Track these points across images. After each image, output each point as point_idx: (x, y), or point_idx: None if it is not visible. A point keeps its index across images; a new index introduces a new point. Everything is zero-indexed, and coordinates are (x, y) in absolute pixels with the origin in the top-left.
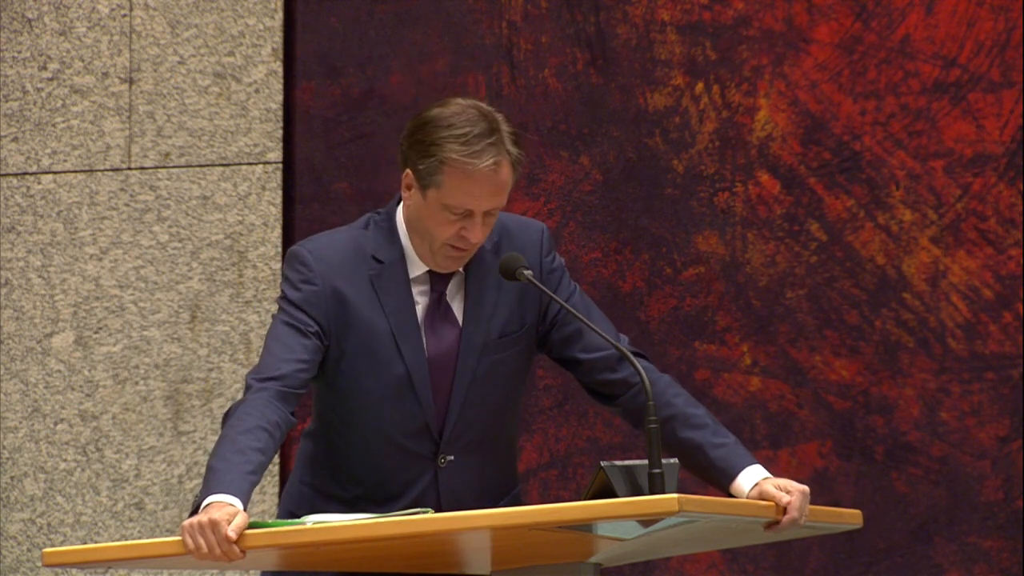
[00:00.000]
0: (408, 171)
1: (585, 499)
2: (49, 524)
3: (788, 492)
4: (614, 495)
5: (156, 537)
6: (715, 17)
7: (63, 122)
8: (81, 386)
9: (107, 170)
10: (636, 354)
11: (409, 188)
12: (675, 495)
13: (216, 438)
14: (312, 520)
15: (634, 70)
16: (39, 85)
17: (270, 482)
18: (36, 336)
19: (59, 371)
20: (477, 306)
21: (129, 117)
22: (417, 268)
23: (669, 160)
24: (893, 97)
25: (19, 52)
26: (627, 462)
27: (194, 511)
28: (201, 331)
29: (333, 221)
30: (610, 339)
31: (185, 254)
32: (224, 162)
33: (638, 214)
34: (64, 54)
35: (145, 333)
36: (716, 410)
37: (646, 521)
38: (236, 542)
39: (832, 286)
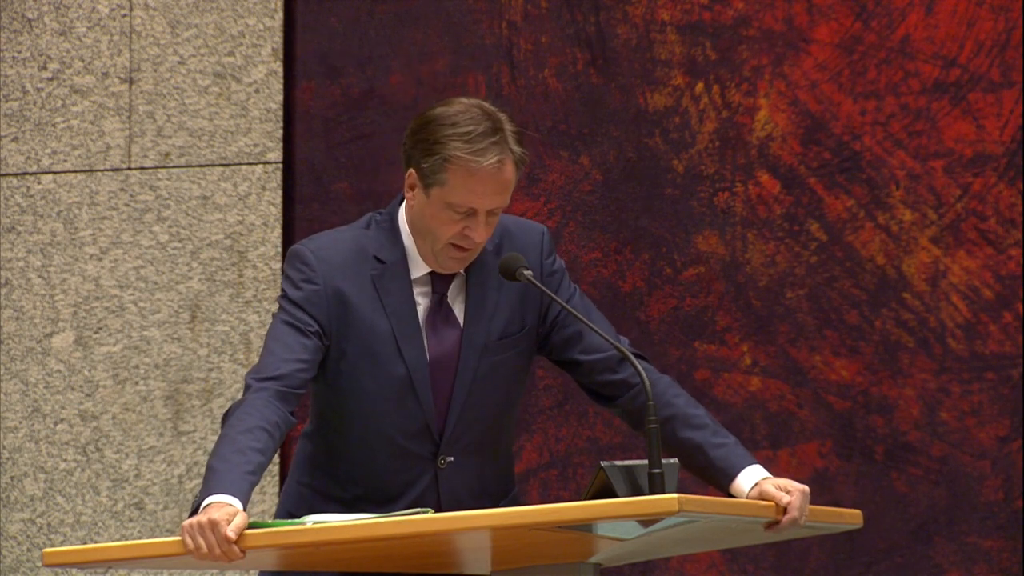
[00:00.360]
0: (411, 171)
1: (585, 499)
2: (49, 524)
3: (788, 492)
4: (614, 495)
5: (156, 537)
6: (715, 17)
7: (63, 122)
8: (81, 386)
9: (107, 170)
10: (636, 355)
11: (412, 188)
12: (675, 495)
13: (216, 438)
14: (312, 520)
15: (634, 70)
16: (39, 85)
17: (270, 482)
18: (36, 336)
19: (59, 371)
20: (478, 307)
21: (129, 117)
22: (419, 269)
23: (669, 160)
24: (893, 97)
25: (19, 52)
26: (627, 462)
27: (194, 511)
28: (201, 331)
29: (333, 221)
30: (610, 339)
31: (185, 254)
32: (224, 162)
33: (638, 214)
34: (64, 54)
35: (145, 333)
36: (716, 410)
37: (646, 521)
38: (236, 542)
39: (832, 286)
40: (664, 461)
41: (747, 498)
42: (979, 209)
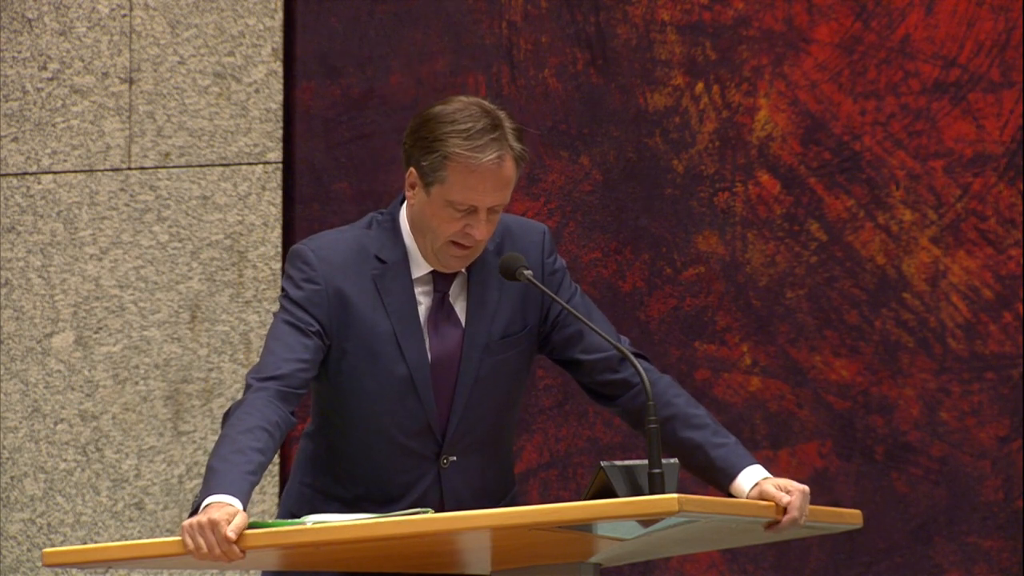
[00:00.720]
0: (412, 169)
1: (585, 499)
2: (49, 524)
3: (788, 492)
4: (614, 495)
5: (156, 537)
6: (715, 17)
7: (63, 122)
8: (81, 386)
9: (107, 170)
10: (637, 355)
11: (413, 187)
12: (675, 495)
13: (216, 438)
14: (312, 520)
15: (634, 70)
16: (39, 85)
17: (270, 482)
18: (36, 336)
19: (59, 371)
20: (480, 307)
21: (129, 117)
22: (420, 268)
23: (669, 160)
24: (893, 97)
25: (19, 52)
26: (627, 462)
27: (194, 511)
28: (201, 331)
29: (333, 221)
30: (611, 339)
31: (185, 254)
32: (224, 162)
33: (638, 214)
34: (64, 54)
35: (145, 333)
36: (716, 410)
37: (646, 521)
38: (236, 542)
39: (832, 286)
40: (664, 461)
41: (747, 498)
42: (979, 209)
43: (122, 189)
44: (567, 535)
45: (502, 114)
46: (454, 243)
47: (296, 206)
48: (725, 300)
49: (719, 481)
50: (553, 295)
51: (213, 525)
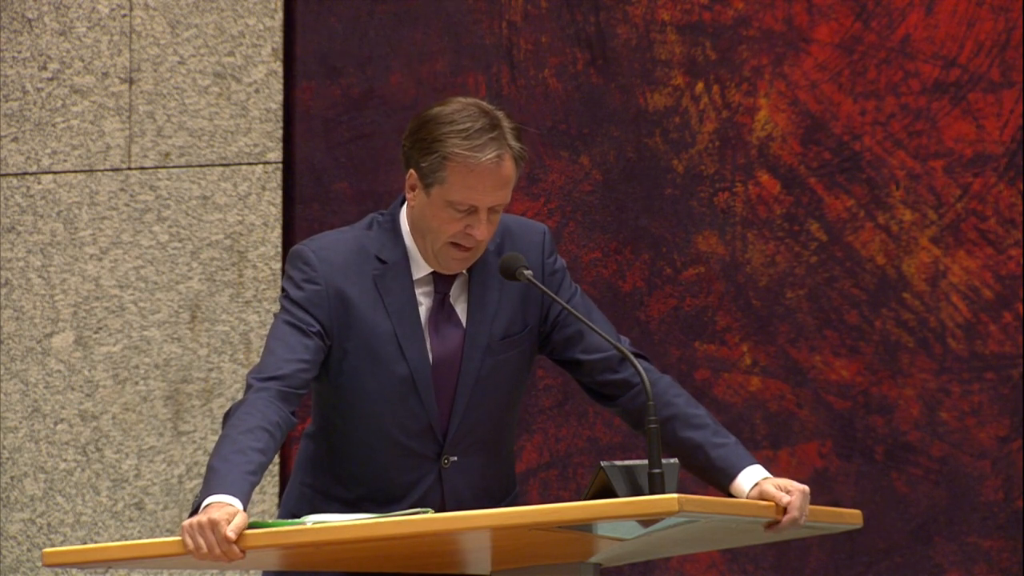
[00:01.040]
0: (411, 171)
1: (585, 499)
2: (49, 524)
3: (788, 492)
4: (614, 495)
5: (156, 537)
6: (715, 17)
7: (63, 122)
8: (81, 386)
9: (107, 170)
10: (637, 355)
11: (413, 188)
12: (675, 495)
13: (216, 438)
14: (312, 520)
15: (634, 70)
16: (39, 85)
17: (270, 482)
18: (36, 336)
19: (59, 371)
20: (480, 307)
21: (129, 117)
22: (421, 269)
23: (669, 160)
24: (893, 97)
25: (19, 52)
26: (627, 462)
27: (194, 511)
28: (201, 331)
29: (333, 221)
30: (611, 339)
31: (185, 254)
32: (224, 162)
33: (638, 214)
34: (64, 54)
35: (145, 333)
36: (716, 410)
37: (646, 521)
38: (236, 542)
39: (832, 286)
40: (664, 461)
41: (747, 498)
42: (979, 209)
43: (122, 189)
44: (567, 535)
45: (500, 114)
46: (455, 245)
47: (296, 206)
48: (725, 300)
49: (719, 481)
50: (553, 295)
51: (213, 525)
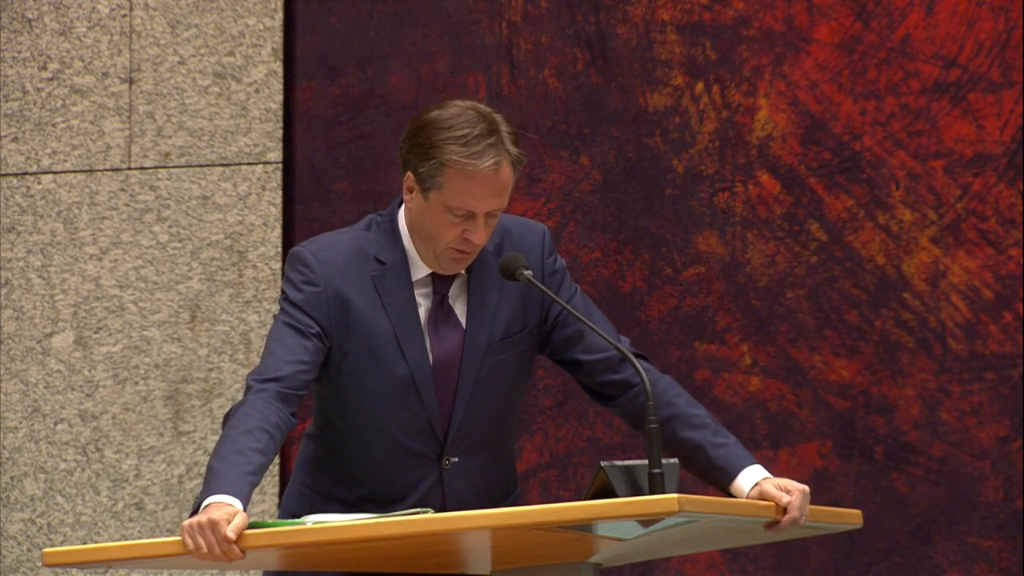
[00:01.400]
0: (409, 174)
1: (585, 499)
2: (49, 524)
3: (788, 492)
4: (614, 495)
5: (156, 537)
6: (715, 17)
7: (63, 122)
8: (81, 386)
9: (107, 170)
10: (637, 355)
11: (411, 191)
12: (675, 495)
13: (216, 438)
14: (312, 520)
15: (634, 70)
16: (39, 85)
17: (270, 482)
18: (36, 336)
19: (59, 371)
20: (480, 308)
21: (129, 117)
22: (419, 270)
23: (669, 160)
24: (893, 97)
25: (19, 52)
26: (627, 462)
27: (194, 511)
28: (201, 331)
29: (333, 221)
30: (611, 340)
31: (185, 254)
32: (224, 162)
33: (638, 214)
34: (64, 54)
35: (145, 333)
36: (716, 410)
37: (646, 521)
38: (236, 542)
39: (832, 286)
40: (664, 461)
41: (747, 498)
42: (979, 209)
43: (122, 189)
44: (567, 535)
45: (498, 118)
46: (453, 248)
47: (296, 206)
48: (725, 300)
49: (719, 481)
50: (553, 295)
51: (213, 525)
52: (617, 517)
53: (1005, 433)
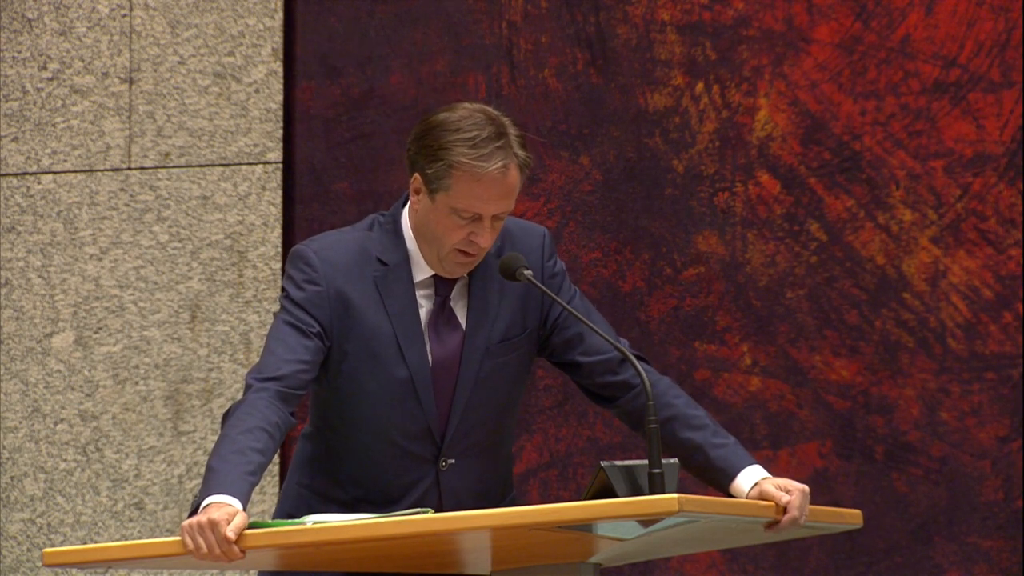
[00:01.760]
0: (416, 175)
1: (585, 499)
2: (49, 524)
3: (788, 492)
4: (614, 495)
5: (156, 537)
6: (715, 17)
7: (63, 122)
8: (81, 386)
9: (107, 170)
10: (636, 357)
11: (417, 192)
12: (675, 495)
13: (216, 438)
14: (312, 520)
15: (634, 70)
16: (39, 85)
17: (270, 482)
18: (36, 336)
19: (59, 371)
20: (480, 310)
21: (129, 117)
22: (421, 272)
23: (669, 160)
24: (893, 97)
25: (19, 52)
26: (627, 462)
27: (193, 511)
28: (201, 331)
29: (333, 221)
30: (611, 340)
31: (185, 254)
32: (224, 162)
33: (638, 214)
34: (64, 54)
35: (145, 333)
36: (716, 410)
37: (646, 521)
38: (235, 542)
39: (832, 286)
40: (664, 461)
41: (747, 498)
42: (979, 209)
43: (122, 189)
44: (567, 535)
45: (506, 121)
46: (458, 251)
47: (296, 206)
48: (725, 300)
49: (719, 481)
50: (553, 296)
51: (213, 525)
52: (617, 517)
53: (1005, 433)
